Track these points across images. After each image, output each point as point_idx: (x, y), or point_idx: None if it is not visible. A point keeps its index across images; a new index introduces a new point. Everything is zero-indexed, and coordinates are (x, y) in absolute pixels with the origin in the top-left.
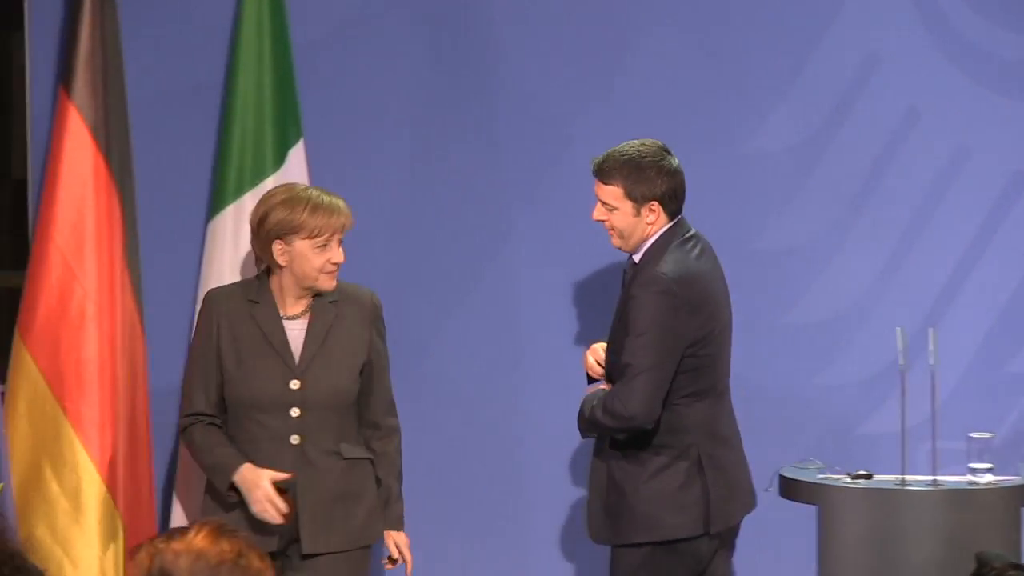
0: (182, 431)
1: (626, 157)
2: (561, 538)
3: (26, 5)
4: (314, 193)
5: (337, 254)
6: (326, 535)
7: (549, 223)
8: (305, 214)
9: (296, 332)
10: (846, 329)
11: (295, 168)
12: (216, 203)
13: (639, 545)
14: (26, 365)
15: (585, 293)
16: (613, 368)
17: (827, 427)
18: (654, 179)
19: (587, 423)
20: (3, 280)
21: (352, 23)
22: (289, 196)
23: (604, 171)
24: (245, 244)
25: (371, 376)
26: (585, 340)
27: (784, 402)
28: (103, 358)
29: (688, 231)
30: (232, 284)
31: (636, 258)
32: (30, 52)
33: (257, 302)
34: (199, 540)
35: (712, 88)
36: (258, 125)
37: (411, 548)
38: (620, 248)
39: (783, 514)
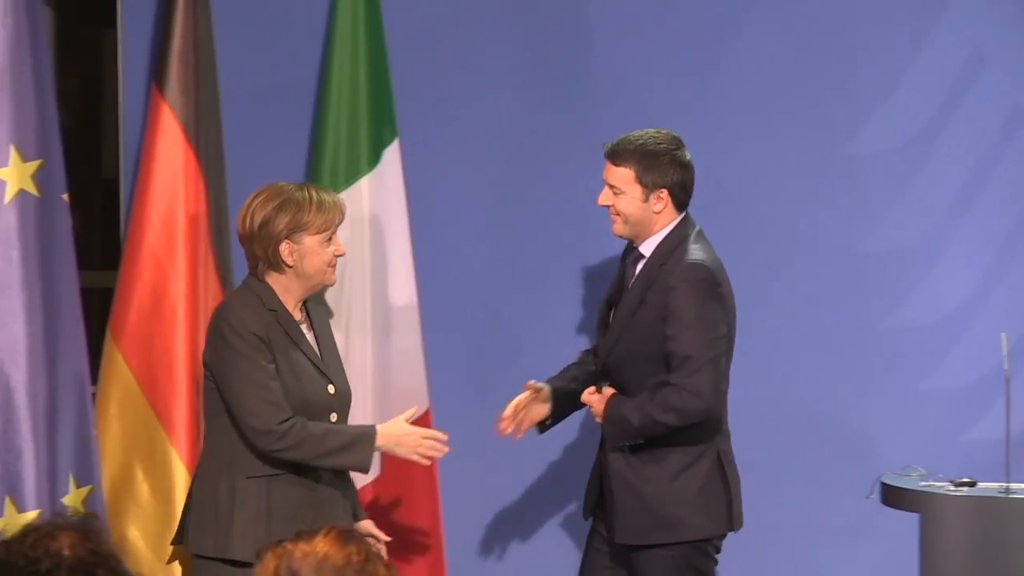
0: (284, 435)
1: (640, 142)
2: None
3: (119, 2)
4: (311, 190)
5: (340, 246)
6: None
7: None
8: (313, 211)
9: (308, 336)
10: (950, 334)
11: (390, 168)
12: None
13: (672, 545)
14: (118, 366)
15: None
16: (632, 358)
17: (930, 433)
18: (667, 167)
19: (637, 429)
20: (94, 280)
21: (448, 19)
22: (289, 196)
23: (617, 153)
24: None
25: None
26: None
27: (886, 407)
28: (193, 359)
29: (697, 226)
30: (242, 296)
31: (645, 249)
32: (123, 50)
33: (275, 310)
34: (325, 543)
35: (815, 88)
36: (352, 124)
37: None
38: (620, 234)
39: (884, 522)
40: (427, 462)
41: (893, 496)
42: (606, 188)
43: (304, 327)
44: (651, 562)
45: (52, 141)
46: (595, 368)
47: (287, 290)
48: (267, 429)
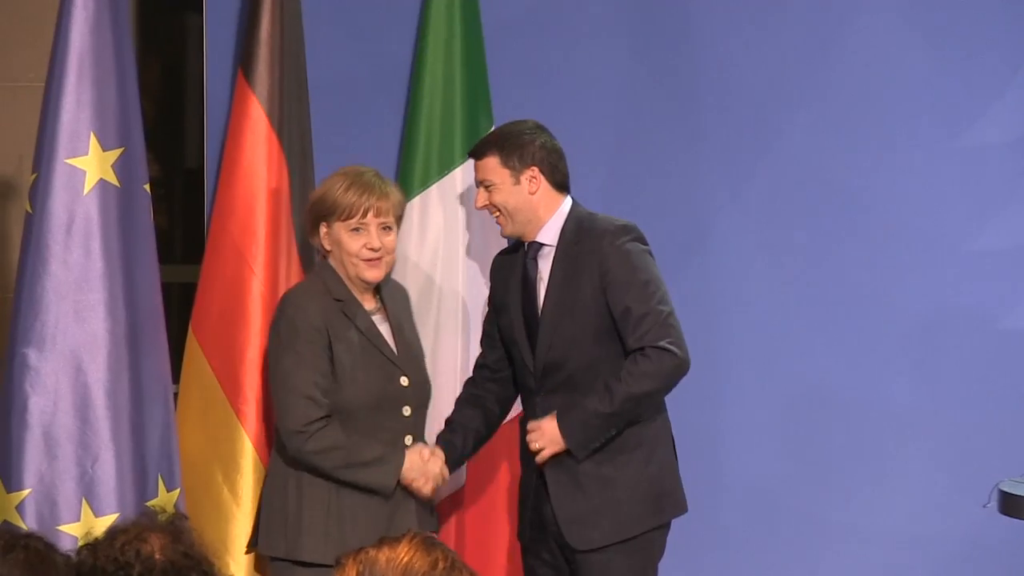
0: (313, 436)
1: (498, 131)
2: (747, 536)
3: None
4: (361, 172)
5: (372, 239)
6: None
7: (753, 222)
8: (339, 192)
9: (381, 326)
10: None
11: None
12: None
13: (641, 535)
14: (199, 366)
15: (791, 294)
16: (576, 346)
17: None
18: (528, 145)
19: (611, 415)
20: (175, 274)
21: (546, 4)
22: (335, 174)
23: (477, 149)
24: (432, 238)
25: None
26: (786, 341)
27: (1003, 411)
28: None
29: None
30: (308, 285)
31: (546, 238)
32: (207, 36)
33: (342, 300)
34: (409, 550)
35: (929, 78)
36: (447, 112)
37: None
38: (510, 234)
39: (1002, 532)
40: (426, 495)
41: (1012, 505)
42: (479, 190)
43: (378, 317)
44: (621, 557)
45: (133, 129)
46: (495, 382)
47: (347, 278)
48: (296, 428)
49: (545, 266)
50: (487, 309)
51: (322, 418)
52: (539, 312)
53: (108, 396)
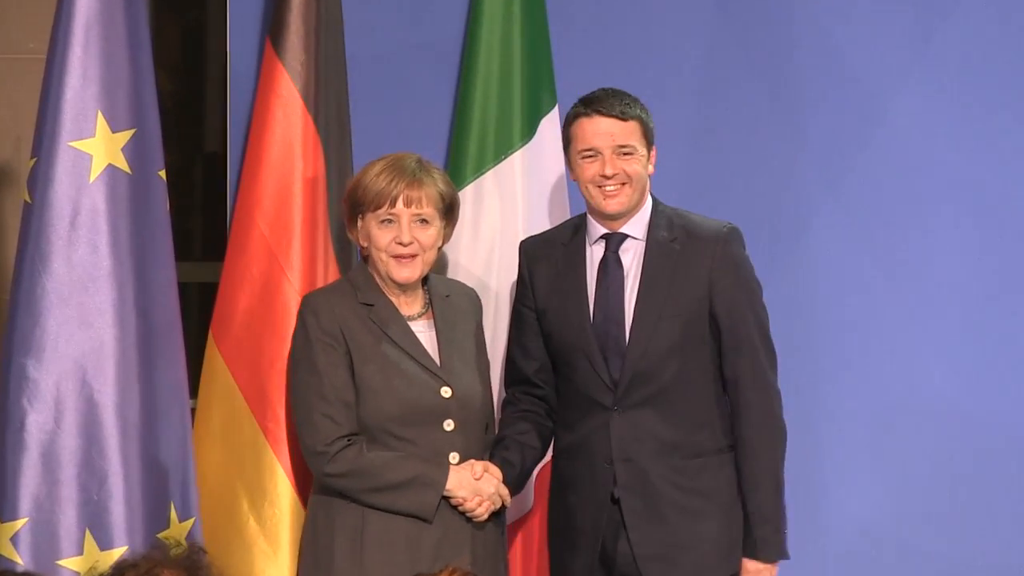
0: (335, 458)
1: (624, 93)
2: (852, 539)
3: None
4: (400, 157)
5: (404, 231)
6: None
7: (855, 217)
8: (370, 178)
9: (423, 334)
10: None
11: (548, 140)
12: (453, 180)
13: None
14: (221, 377)
15: (897, 298)
16: (673, 353)
17: None
18: (651, 122)
19: (778, 489)
20: (194, 273)
21: None
22: (375, 160)
23: (628, 105)
24: (487, 231)
25: (488, 379)
26: (891, 351)
27: None
28: None
29: None
30: (333, 286)
31: (635, 229)
32: (231, 1)
33: (372, 304)
34: None
35: None
36: (504, 89)
37: None
38: (621, 211)
39: None
40: (480, 518)
41: None
42: (609, 153)
43: (421, 323)
44: None
45: (146, 108)
46: (538, 399)
47: (385, 279)
48: (317, 449)
49: (631, 262)
50: (519, 310)
51: (344, 436)
52: (626, 313)
53: (116, 412)
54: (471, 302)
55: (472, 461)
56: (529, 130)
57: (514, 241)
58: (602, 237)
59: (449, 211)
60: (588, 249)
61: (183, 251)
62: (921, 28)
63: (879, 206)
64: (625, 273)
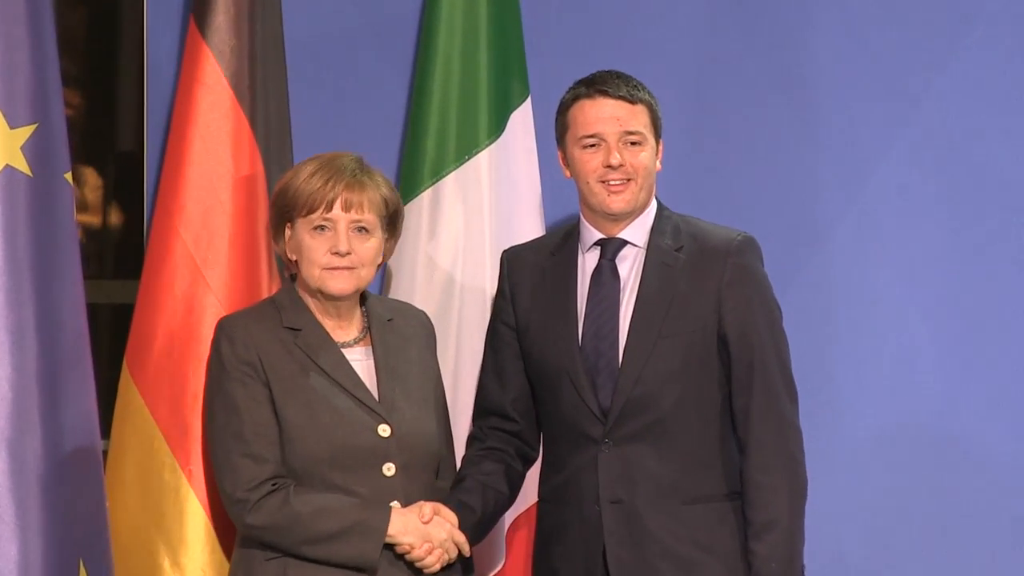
0: (257, 506)
1: (628, 76)
2: (879, 544)
3: None
4: (336, 156)
5: (341, 239)
6: None
7: (879, 223)
8: (302, 179)
9: (360, 362)
10: None
11: (519, 137)
12: (407, 186)
13: None
14: (137, 414)
15: (924, 312)
16: (674, 378)
17: None
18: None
19: (796, 528)
20: (105, 293)
21: None
22: (305, 160)
23: (633, 84)
24: (448, 244)
25: (443, 414)
26: (918, 370)
27: None
28: None
29: None
30: (254, 308)
31: (635, 235)
32: None
33: (298, 329)
34: None
35: None
36: (468, 78)
37: None
38: (627, 209)
39: None
40: (431, 569)
41: None
42: (615, 140)
43: (357, 350)
44: None
45: (50, 100)
46: (511, 434)
47: (313, 298)
48: (236, 495)
49: (629, 272)
50: (496, 328)
51: (268, 480)
52: (620, 331)
53: (11, 457)
54: (420, 326)
55: (420, 503)
56: (497, 126)
57: (480, 255)
58: (597, 243)
59: (392, 222)
60: (580, 257)
61: (93, 267)
62: (959, 13)
63: (905, 213)
64: (622, 285)
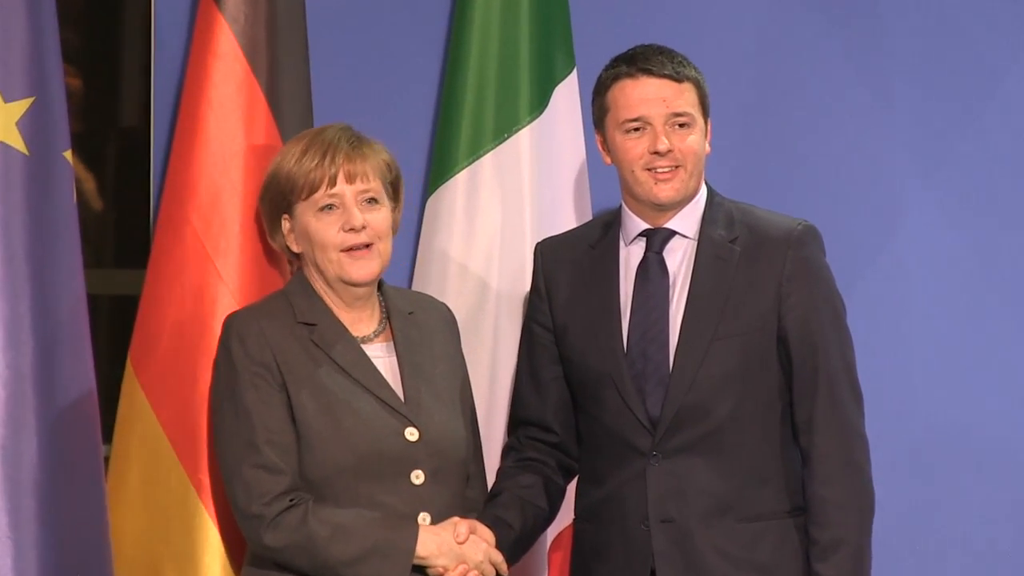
0: (272, 523)
1: (673, 51)
2: (970, 551)
3: None
4: (321, 129)
5: (353, 214)
6: None
7: (953, 216)
8: (292, 161)
9: (381, 359)
10: None
11: (563, 114)
12: (440, 168)
13: None
14: (142, 417)
15: (1000, 306)
16: (728, 384)
17: None
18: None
19: (864, 546)
20: (108, 283)
21: None
22: (288, 143)
23: (679, 60)
24: (485, 230)
25: (472, 417)
26: (988, 338)
27: None
28: None
29: None
30: (264, 303)
31: (684, 225)
32: None
33: (313, 324)
34: None
35: None
36: (507, 50)
37: None
38: (676, 199)
39: None
40: None
41: None
42: (661, 124)
43: (377, 345)
44: None
45: (47, 71)
46: (551, 445)
47: (327, 290)
48: (251, 510)
49: (679, 266)
50: (530, 329)
51: (285, 493)
52: (671, 332)
53: (5, 462)
54: (442, 320)
55: (455, 520)
56: (540, 101)
57: (519, 242)
58: (642, 234)
59: (395, 188)
60: (623, 250)
61: (94, 255)
62: None
63: (982, 203)
64: (671, 280)
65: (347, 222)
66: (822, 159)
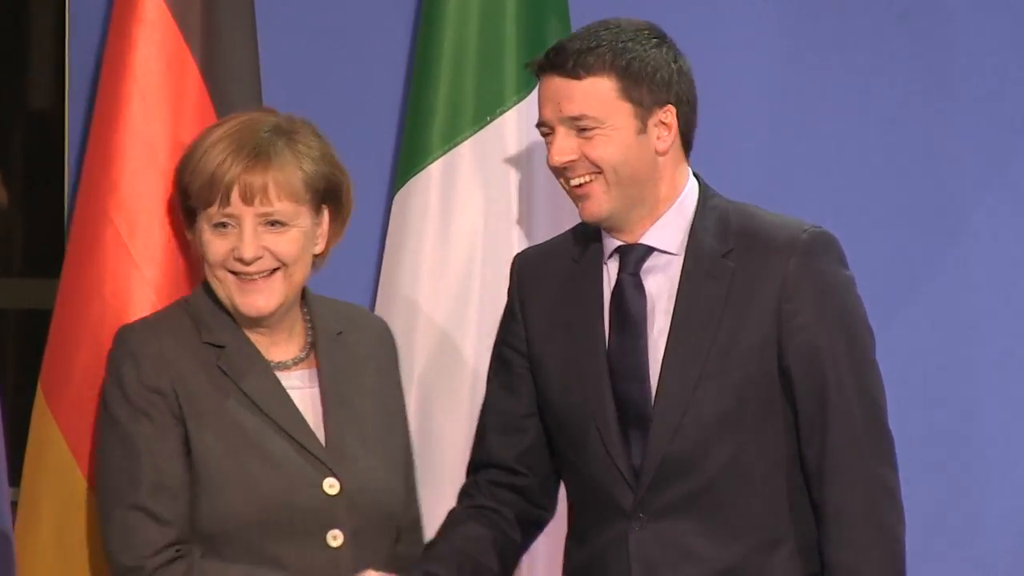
0: None
1: (603, 32)
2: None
3: None
4: (252, 120)
5: (245, 241)
6: None
7: (1017, 212)
8: (203, 148)
9: (300, 391)
10: None
11: None
12: (410, 157)
13: None
14: (54, 453)
15: None
16: (721, 428)
17: None
18: (664, 67)
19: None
20: (13, 295)
21: None
22: (220, 120)
23: (569, 58)
24: (463, 227)
25: (407, 463)
26: None
27: None
28: None
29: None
30: (163, 316)
31: (662, 240)
32: None
33: (220, 346)
34: None
35: None
36: (490, 20)
37: None
38: (597, 218)
39: None
40: None
41: None
42: (560, 132)
43: (298, 374)
44: None
45: None
46: (515, 491)
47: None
48: (125, 561)
49: (661, 289)
50: (501, 355)
51: (170, 545)
52: (651, 370)
53: None
54: (378, 341)
55: (368, 572)
56: (528, 79)
57: (504, 244)
58: (616, 251)
59: (328, 197)
60: (604, 267)
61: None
62: None
63: None
64: (650, 307)
65: (236, 249)
66: (873, 154)
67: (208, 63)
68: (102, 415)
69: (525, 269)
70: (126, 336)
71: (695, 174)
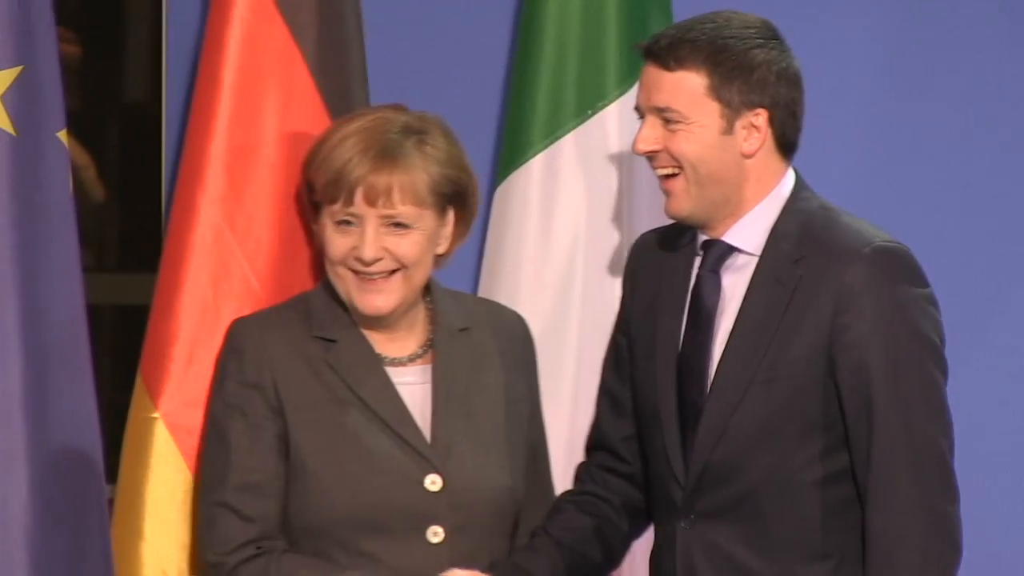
0: (227, 574)
1: (702, 27)
2: None
3: None
4: (382, 119)
5: (366, 242)
6: None
7: None
8: (331, 143)
9: (412, 387)
10: None
11: None
12: (511, 152)
13: None
14: (160, 450)
15: None
16: (766, 438)
17: None
18: (760, 67)
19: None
20: (111, 290)
21: None
22: (351, 116)
23: (664, 47)
24: (565, 224)
25: (534, 459)
26: None
27: None
28: None
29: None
30: (276, 311)
31: (743, 239)
32: None
33: (332, 340)
34: None
35: None
36: (592, 12)
37: None
38: (680, 215)
39: None
40: None
41: None
42: (648, 120)
43: (413, 370)
44: None
45: (38, 37)
46: (623, 477)
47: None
48: (209, 557)
49: (735, 289)
50: (613, 339)
51: (252, 542)
52: (709, 369)
53: None
54: (508, 337)
55: (452, 571)
56: (630, 72)
57: (607, 240)
58: (702, 246)
59: (454, 200)
60: (695, 260)
61: (95, 257)
62: None
63: None
64: (722, 305)
65: (356, 249)
66: (985, 162)
67: (315, 53)
68: (209, 403)
69: (639, 252)
70: (234, 330)
71: (796, 173)
